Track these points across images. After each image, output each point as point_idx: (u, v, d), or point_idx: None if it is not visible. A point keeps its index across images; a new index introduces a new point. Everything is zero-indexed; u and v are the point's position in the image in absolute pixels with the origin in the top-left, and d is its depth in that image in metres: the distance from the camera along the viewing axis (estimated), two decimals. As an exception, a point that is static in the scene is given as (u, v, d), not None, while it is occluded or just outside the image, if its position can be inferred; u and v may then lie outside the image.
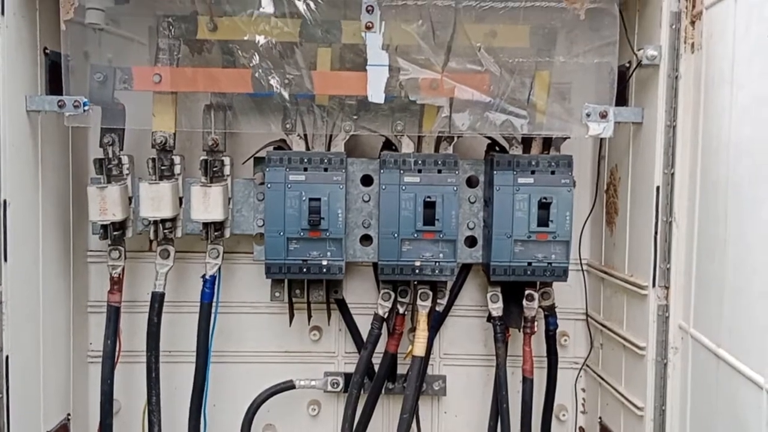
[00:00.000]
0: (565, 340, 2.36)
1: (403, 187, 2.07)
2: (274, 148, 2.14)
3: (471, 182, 2.19)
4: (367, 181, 2.18)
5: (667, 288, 1.87)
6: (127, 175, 2.11)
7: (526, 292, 2.15)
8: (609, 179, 2.21)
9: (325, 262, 2.08)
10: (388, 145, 2.22)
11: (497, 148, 2.20)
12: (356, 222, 2.17)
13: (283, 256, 2.06)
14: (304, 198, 2.05)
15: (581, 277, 2.33)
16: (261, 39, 2.00)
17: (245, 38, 2.00)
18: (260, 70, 2.01)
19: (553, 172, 2.07)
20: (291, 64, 2.04)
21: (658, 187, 1.88)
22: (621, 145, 2.11)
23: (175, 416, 2.29)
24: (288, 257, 2.07)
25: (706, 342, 1.68)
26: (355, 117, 2.11)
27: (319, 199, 2.05)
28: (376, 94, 1.96)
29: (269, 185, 2.06)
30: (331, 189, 2.06)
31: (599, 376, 2.25)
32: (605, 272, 2.21)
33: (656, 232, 1.88)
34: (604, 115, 1.97)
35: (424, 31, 1.97)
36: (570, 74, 2.04)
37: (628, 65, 2.02)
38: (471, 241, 2.20)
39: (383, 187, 2.08)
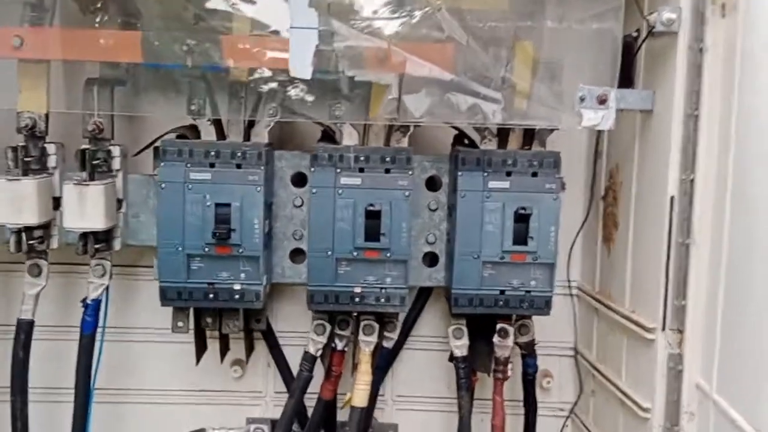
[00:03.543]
0: (548, 382, 1.89)
1: (340, 191, 1.59)
2: (177, 137, 1.66)
3: (432, 184, 1.71)
4: (299, 180, 1.70)
5: (681, 332, 1.41)
6: (-17, 167, 1.63)
7: (499, 326, 1.67)
8: (608, 183, 1.73)
9: (237, 287, 1.59)
10: (328, 135, 1.74)
11: (466, 142, 1.72)
12: (285, 233, 1.70)
13: (182, 277, 1.58)
14: (208, 203, 1.56)
15: (570, 303, 1.87)
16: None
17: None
18: (156, 33, 1.53)
19: (535, 174, 1.59)
20: (197, 26, 1.56)
21: (672, 198, 1.41)
22: (624, 140, 1.63)
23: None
24: (189, 279, 1.59)
25: (735, 417, 1.22)
26: (282, 98, 1.64)
27: (228, 205, 1.56)
28: (300, 66, 1.47)
29: (163, 185, 1.57)
30: (244, 191, 1.57)
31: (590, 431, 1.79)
32: (600, 301, 1.73)
33: (668, 258, 1.41)
34: (603, 100, 1.49)
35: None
36: (561, 46, 1.55)
37: (635, 34, 1.55)
38: (431, 259, 1.72)
39: (313, 190, 1.59)
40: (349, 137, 1.65)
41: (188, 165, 1.57)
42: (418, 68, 1.49)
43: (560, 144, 1.64)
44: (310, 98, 1.60)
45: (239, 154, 1.58)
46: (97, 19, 1.59)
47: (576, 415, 1.88)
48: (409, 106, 1.51)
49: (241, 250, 1.57)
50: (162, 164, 1.58)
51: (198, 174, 1.57)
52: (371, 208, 1.56)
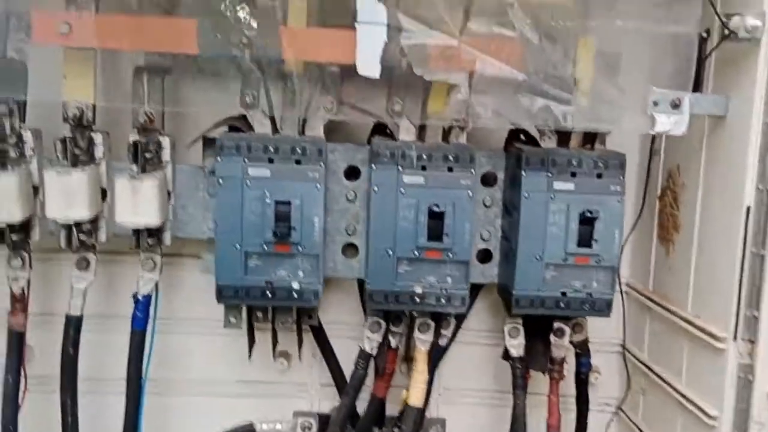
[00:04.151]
0: (596, 378, 1.89)
1: (402, 191, 1.55)
2: (229, 129, 1.60)
3: (487, 180, 1.67)
4: (352, 173, 1.65)
5: (753, 343, 1.40)
6: (31, 157, 1.57)
7: (556, 325, 1.66)
8: (666, 183, 1.71)
9: (296, 285, 1.56)
10: (380, 128, 1.69)
11: (522, 137, 1.68)
12: (338, 227, 1.65)
13: (239, 275, 1.55)
14: (268, 200, 1.52)
15: (618, 299, 1.86)
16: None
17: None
18: (210, 24, 1.46)
19: (599, 176, 1.56)
20: (254, 16, 1.49)
21: (748, 208, 1.39)
22: (687, 141, 1.59)
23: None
24: (246, 277, 1.56)
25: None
26: (338, 92, 1.59)
27: (289, 203, 1.52)
28: (368, 64, 1.42)
29: (221, 180, 1.53)
30: (305, 189, 1.53)
31: (640, 430, 1.80)
32: (654, 301, 1.72)
33: (742, 268, 1.40)
34: (676, 105, 1.45)
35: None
36: (623, 43, 1.51)
37: (705, 35, 1.51)
38: (484, 256, 1.69)
39: (375, 188, 1.55)
40: (407, 132, 1.61)
41: (246, 160, 1.52)
42: (489, 67, 1.45)
43: (613, 140, 1.61)
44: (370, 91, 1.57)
45: (299, 149, 1.53)
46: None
47: (623, 411, 1.89)
48: (478, 107, 1.47)
49: (300, 249, 1.54)
50: (219, 159, 1.53)
51: (257, 170, 1.52)
52: (435, 208, 1.53)
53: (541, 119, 1.47)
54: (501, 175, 1.68)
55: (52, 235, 1.60)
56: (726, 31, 1.43)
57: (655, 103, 1.45)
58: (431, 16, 1.43)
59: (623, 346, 1.87)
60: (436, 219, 1.54)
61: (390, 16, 1.40)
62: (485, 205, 1.68)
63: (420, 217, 1.54)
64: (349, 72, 1.49)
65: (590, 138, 1.60)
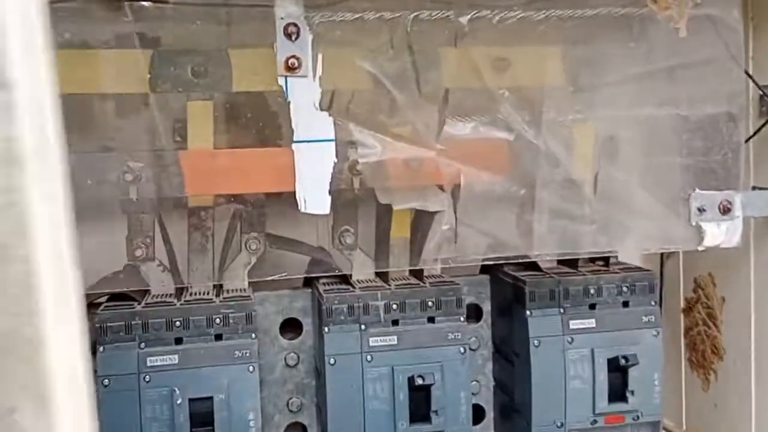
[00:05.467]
0: None
1: (369, 358, 1.11)
2: (111, 298, 1.12)
3: (468, 314, 1.27)
4: (290, 327, 1.21)
5: None
6: None
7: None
8: (693, 295, 1.35)
9: None
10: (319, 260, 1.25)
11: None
12: (276, 403, 1.20)
13: None
14: (179, 400, 1.04)
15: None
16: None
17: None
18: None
19: (626, 303, 1.18)
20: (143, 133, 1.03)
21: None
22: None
23: None
24: None
25: None
26: (263, 223, 1.14)
27: (210, 399, 1.05)
28: (315, 199, 0.98)
29: (106, 382, 1.04)
30: (232, 375, 1.07)
31: None
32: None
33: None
34: (727, 209, 1.10)
35: (398, 70, 1.01)
36: (643, 130, 1.15)
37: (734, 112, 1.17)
38: (476, 414, 1.28)
39: (330, 360, 1.10)
40: (362, 268, 1.18)
41: (142, 345, 1.05)
42: (477, 181, 1.05)
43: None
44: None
45: (217, 319, 1.07)
46: None
47: None
48: (467, 239, 1.06)
49: (233, 462, 1.06)
50: (101, 350, 1.04)
51: (159, 357, 1.05)
52: (419, 380, 1.10)
53: (554, 245, 1.08)
54: (486, 307, 1.28)
55: None
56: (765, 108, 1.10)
57: (701, 210, 1.08)
58: (393, 122, 1.01)
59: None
60: (419, 391, 1.11)
61: (339, 129, 0.97)
62: (471, 349, 1.26)
63: (398, 393, 1.11)
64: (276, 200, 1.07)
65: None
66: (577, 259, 1.21)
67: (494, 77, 1.05)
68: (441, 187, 1.04)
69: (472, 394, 1.26)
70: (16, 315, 0.43)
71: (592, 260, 1.24)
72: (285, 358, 1.21)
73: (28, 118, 0.42)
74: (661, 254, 1.40)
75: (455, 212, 1.04)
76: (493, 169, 1.04)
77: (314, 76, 0.94)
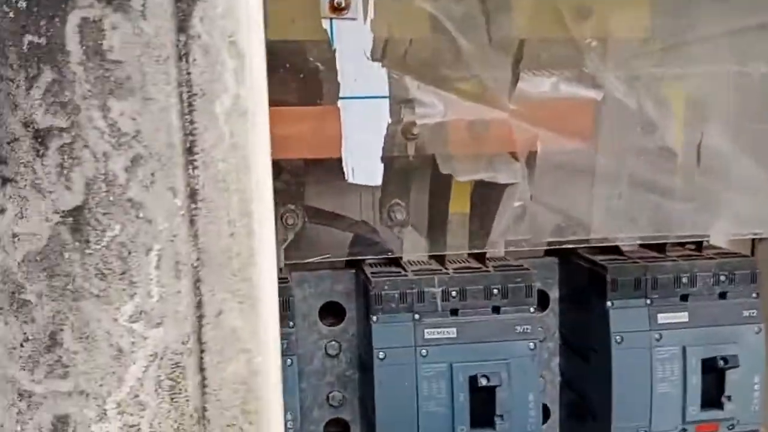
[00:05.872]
0: None
1: (424, 352, 0.96)
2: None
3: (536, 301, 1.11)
4: (331, 312, 1.07)
5: None
6: None
7: None
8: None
9: None
10: (364, 239, 1.10)
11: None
12: (315, 396, 1.07)
13: None
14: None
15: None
16: None
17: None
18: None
19: (723, 295, 1.01)
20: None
21: None
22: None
23: None
24: None
25: None
26: (301, 194, 0.99)
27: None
28: (365, 167, 0.83)
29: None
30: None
31: None
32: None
33: None
34: None
35: (464, 14, 0.84)
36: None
37: None
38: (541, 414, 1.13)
39: (379, 354, 0.96)
40: (414, 248, 1.03)
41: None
42: (558, 148, 0.88)
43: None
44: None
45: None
46: None
47: None
48: (542, 217, 0.90)
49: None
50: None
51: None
52: (482, 380, 0.95)
53: (652, 228, 0.91)
54: (554, 294, 1.12)
55: None
56: None
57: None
58: (458, 76, 0.85)
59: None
60: (481, 393, 0.96)
61: (395, 84, 0.81)
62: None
63: (458, 394, 0.96)
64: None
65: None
66: (665, 243, 1.03)
67: (577, 25, 0.88)
68: (514, 156, 0.87)
69: (537, 390, 1.11)
70: (232, 236, 0.56)
71: (681, 244, 1.07)
72: (325, 347, 1.07)
73: (249, 81, 0.55)
74: (753, 239, 1.22)
75: (529, 186, 0.87)
76: (576, 135, 0.87)
77: (365, 18, 0.78)
